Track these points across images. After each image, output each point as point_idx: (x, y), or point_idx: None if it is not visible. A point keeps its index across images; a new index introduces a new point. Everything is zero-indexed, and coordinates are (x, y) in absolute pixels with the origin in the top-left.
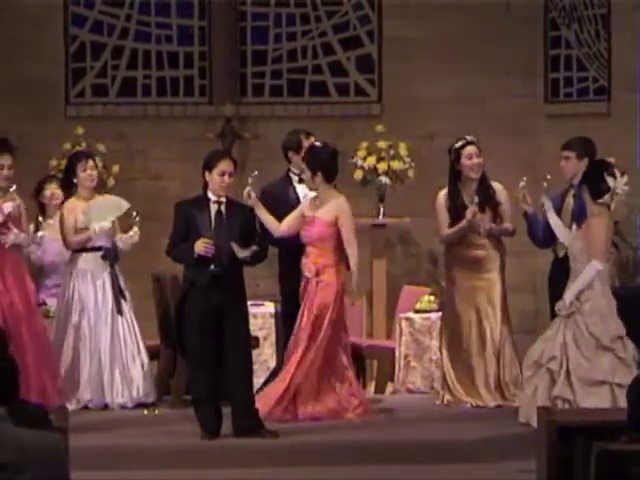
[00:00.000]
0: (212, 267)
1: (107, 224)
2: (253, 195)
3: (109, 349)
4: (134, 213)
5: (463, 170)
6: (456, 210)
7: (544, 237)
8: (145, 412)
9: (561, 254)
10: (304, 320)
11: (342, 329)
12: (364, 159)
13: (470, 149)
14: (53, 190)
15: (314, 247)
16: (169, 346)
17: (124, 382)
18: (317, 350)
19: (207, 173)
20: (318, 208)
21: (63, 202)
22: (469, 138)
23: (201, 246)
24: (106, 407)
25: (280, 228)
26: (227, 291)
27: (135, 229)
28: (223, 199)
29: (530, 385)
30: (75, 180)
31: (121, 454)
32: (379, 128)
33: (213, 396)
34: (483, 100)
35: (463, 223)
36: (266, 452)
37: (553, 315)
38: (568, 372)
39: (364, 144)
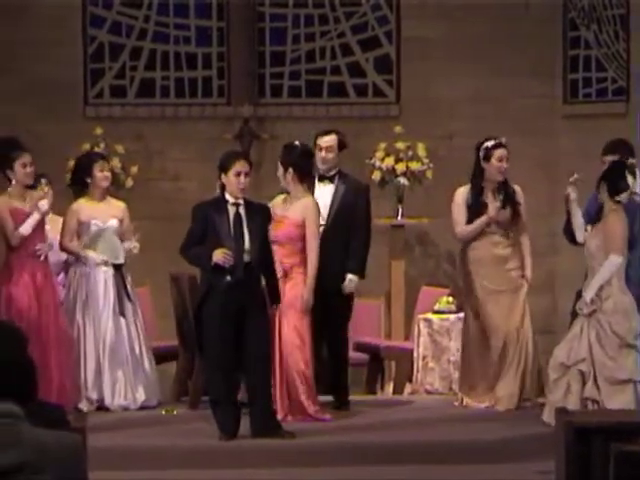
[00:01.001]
0: (228, 278)
1: (97, 259)
2: None
3: (109, 350)
4: (134, 233)
5: (490, 170)
6: (477, 207)
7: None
8: (163, 412)
9: None
10: (275, 322)
11: (309, 327)
12: (382, 160)
13: (502, 152)
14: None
15: (282, 247)
16: (187, 346)
17: (127, 384)
18: (294, 351)
19: (223, 175)
20: (288, 208)
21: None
22: (503, 140)
23: (220, 255)
24: (107, 409)
25: None
26: (247, 292)
27: (136, 244)
28: (241, 201)
29: (559, 387)
30: (89, 180)
31: (139, 454)
32: (397, 129)
33: (231, 397)
34: (501, 100)
35: (484, 219)
36: (284, 453)
37: (574, 314)
38: (595, 373)
39: (382, 145)
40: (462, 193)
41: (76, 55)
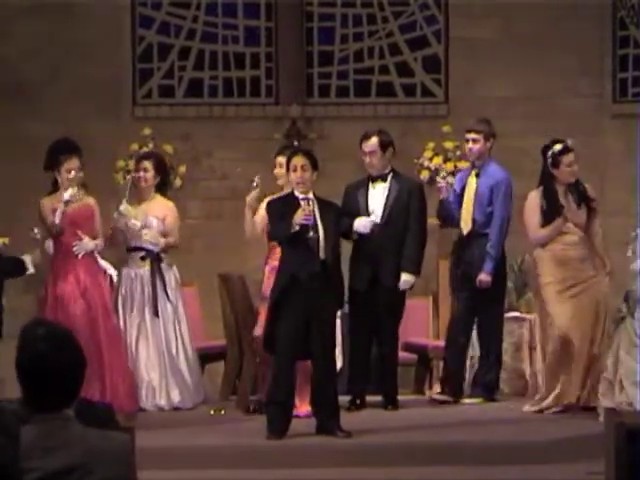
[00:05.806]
0: (311, 234)
1: (122, 206)
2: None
3: (142, 350)
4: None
5: (560, 176)
6: (552, 211)
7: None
8: (211, 412)
9: None
10: None
11: None
12: (431, 159)
13: (571, 157)
14: None
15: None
16: (235, 346)
17: (161, 385)
18: None
19: (286, 172)
20: None
21: None
22: (569, 143)
23: (300, 214)
24: (141, 409)
25: (254, 233)
26: (321, 290)
27: (135, 222)
28: (310, 195)
29: None
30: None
31: (187, 454)
32: (446, 128)
33: (288, 401)
34: (550, 100)
35: (560, 221)
36: (331, 453)
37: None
38: None
39: (431, 144)
40: (535, 197)
41: (125, 55)
